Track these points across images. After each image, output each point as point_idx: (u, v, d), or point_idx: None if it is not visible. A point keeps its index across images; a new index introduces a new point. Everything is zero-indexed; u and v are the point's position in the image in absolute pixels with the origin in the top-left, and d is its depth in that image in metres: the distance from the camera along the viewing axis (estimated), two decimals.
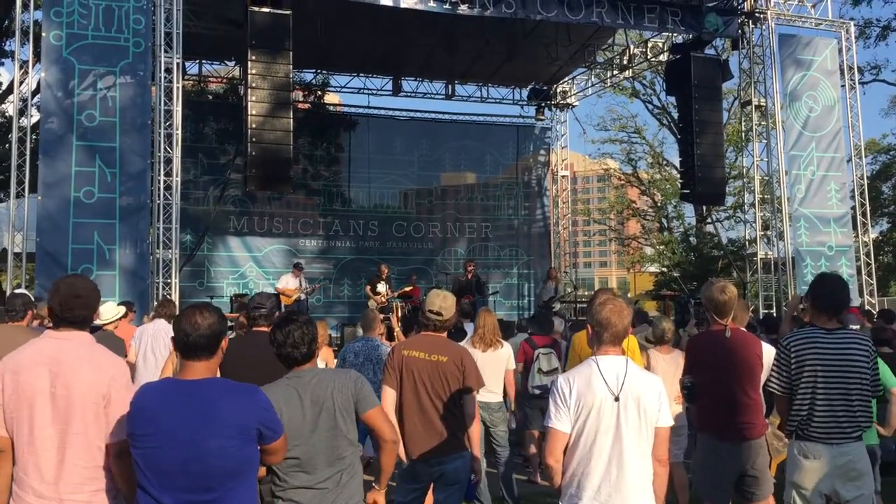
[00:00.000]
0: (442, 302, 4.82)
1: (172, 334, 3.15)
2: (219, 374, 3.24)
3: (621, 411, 3.41)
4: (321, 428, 3.53)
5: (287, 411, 3.42)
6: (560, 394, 3.47)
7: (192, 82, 19.74)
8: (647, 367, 6.55)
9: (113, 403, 3.15)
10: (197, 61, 19.30)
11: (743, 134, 17.54)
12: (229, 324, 7.27)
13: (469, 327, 8.64)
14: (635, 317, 9.81)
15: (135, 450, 2.98)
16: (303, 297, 15.34)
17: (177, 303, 12.19)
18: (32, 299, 5.96)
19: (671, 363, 6.53)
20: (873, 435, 6.49)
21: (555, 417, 3.46)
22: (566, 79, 21.78)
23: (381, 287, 15.58)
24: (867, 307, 15.41)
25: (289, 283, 15.37)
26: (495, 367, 7.29)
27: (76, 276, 3.46)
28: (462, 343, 7.45)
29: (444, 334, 4.90)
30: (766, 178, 16.38)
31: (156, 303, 12.01)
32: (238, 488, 3.02)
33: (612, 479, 3.39)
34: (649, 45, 19.08)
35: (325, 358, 8.51)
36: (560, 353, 8.17)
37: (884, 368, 6.53)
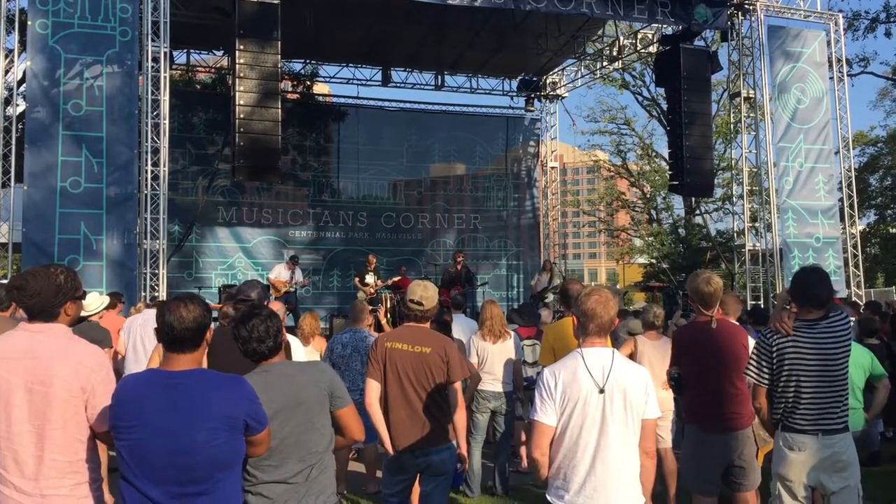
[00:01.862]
0: (423, 291, 4.80)
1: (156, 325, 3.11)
2: (206, 366, 3.19)
3: (607, 403, 3.40)
4: (293, 422, 3.49)
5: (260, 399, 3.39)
6: (545, 387, 3.45)
7: (179, 72, 19.65)
8: (634, 354, 6.55)
9: (98, 394, 3.11)
10: (185, 50, 19.17)
11: (732, 125, 17.58)
12: (213, 315, 7.21)
13: (459, 317, 8.67)
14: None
15: (119, 442, 2.94)
16: (293, 289, 15.30)
17: (164, 294, 12.17)
18: None
19: (659, 350, 6.48)
20: (860, 420, 6.56)
21: (540, 411, 3.45)
22: (556, 70, 21.75)
23: (370, 278, 15.58)
24: (854, 298, 15.50)
25: (281, 275, 15.34)
26: (505, 357, 7.37)
27: (36, 268, 3.35)
28: (473, 334, 7.54)
29: (427, 325, 4.88)
30: (755, 169, 16.43)
31: (143, 294, 11.98)
32: (225, 480, 3.00)
33: (597, 471, 3.38)
34: (639, 36, 19.05)
35: (318, 348, 8.50)
36: None
37: (874, 359, 6.59)
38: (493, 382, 7.32)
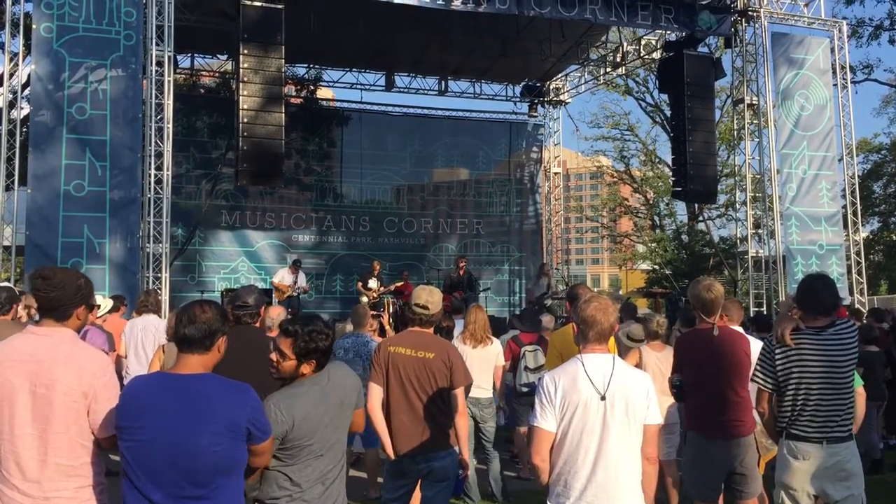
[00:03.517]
0: (428, 296, 4.80)
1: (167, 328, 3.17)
2: None
3: (608, 410, 3.39)
4: (341, 425, 3.58)
5: (316, 412, 3.43)
6: (545, 393, 3.45)
7: (183, 76, 19.66)
8: (639, 364, 6.51)
9: (100, 399, 3.13)
10: (189, 55, 19.21)
11: (735, 132, 17.62)
12: None
13: (458, 322, 8.65)
14: (624, 312, 9.83)
15: (122, 443, 2.96)
16: (295, 294, 15.32)
17: (167, 297, 12.17)
18: (17, 293, 5.89)
19: (664, 360, 6.43)
20: None
21: (540, 416, 3.44)
22: (559, 75, 21.76)
23: (373, 283, 15.59)
24: (857, 306, 15.47)
25: (284, 279, 15.38)
26: (485, 363, 7.31)
27: (59, 266, 3.43)
28: (454, 338, 7.49)
29: (431, 330, 4.88)
30: (758, 176, 16.41)
31: None
32: (226, 486, 3.01)
33: (598, 478, 3.37)
34: (642, 42, 19.07)
35: None
36: (547, 349, 8.19)
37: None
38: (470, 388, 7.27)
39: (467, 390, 6.42)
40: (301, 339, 3.48)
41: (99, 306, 8.15)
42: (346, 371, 3.80)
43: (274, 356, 3.54)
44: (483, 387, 7.30)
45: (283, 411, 3.31)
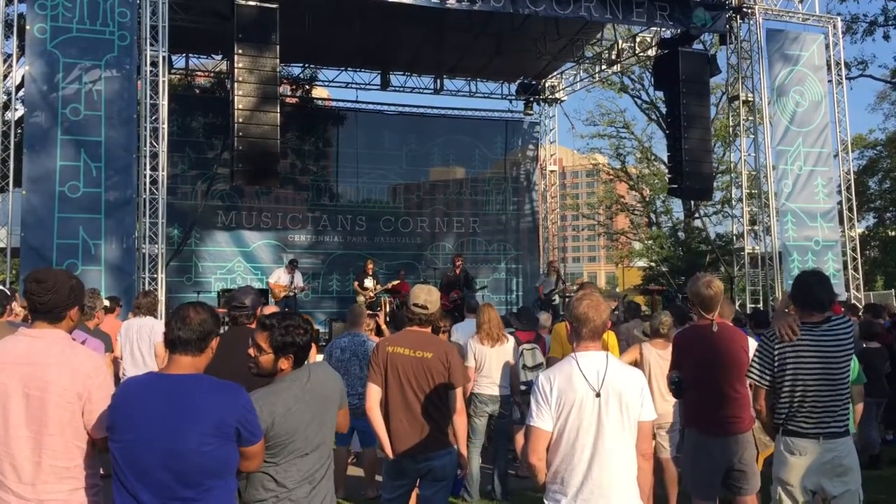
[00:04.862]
0: (427, 295, 4.79)
1: (164, 330, 3.17)
2: None
3: (602, 407, 3.40)
4: (325, 424, 3.57)
5: (297, 408, 3.42)
6: (541, 392, 3.46)
7: (178, 76, 19.64)
8: (640, 360, 6.50)
9: (94, 400, 3.12)
10: (183, 55, 19.16)
11: (730, 129, 17.59)
12: None
13: (470, 322, 8.60)
14: (628, 311, 9.81)
15: (112, 443, 2.96)
16: (292, 294, 15.30)
17: (163, 298, 12.14)
18: (8, 294, 5.87)
19: (665, 358, 6.41)
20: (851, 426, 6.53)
21: (536, 416, 3.45)
22: (554, 73, 21.75)
23: (369, 282, 15.58)
24: (853, 301, 15.49)
25: (281, 279, 15.35)
26: (503, 361, 7.34)
27: (51, 268, 3.41)
28: (470, 338, 7.50)
29: (429, 329, 4.87)
30: (754, 172, 16.42)
31: None
32: (217, 488, 3.00)
33: (594, 475, 3.38)
34: (637, 39, 19.06)
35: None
36: (544, 347, 8.19)
37: (857, 364, 6.57)
38: (490, 386, 7.30)
39: (466, 389, 6.43)
40: (277, 333, 3.47)
41: (105, 308, 8.14)
42: (328, 371, 3.81)
43: (252, 351, 3.53)
44: (503, 384, 7.32)
45: (262, 408, 3.28)
